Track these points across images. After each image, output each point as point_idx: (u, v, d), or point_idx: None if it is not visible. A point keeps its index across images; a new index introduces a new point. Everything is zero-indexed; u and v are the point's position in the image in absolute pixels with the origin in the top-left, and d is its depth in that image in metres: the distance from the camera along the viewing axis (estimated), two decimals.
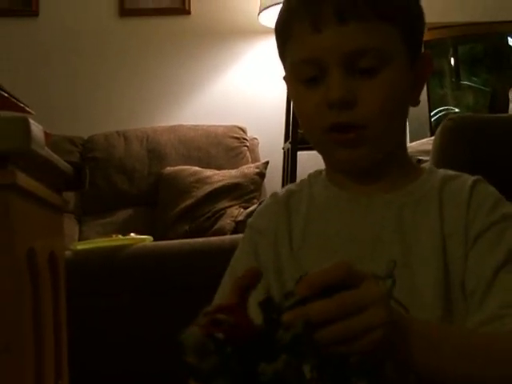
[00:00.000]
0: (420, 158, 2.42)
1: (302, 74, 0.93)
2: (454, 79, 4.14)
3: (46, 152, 1.72)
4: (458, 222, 0.92)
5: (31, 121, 1.55)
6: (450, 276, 0.90)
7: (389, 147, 0.95)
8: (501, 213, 0.93)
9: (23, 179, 1.61)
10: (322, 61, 0.90)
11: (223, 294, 1.02)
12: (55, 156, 1.86)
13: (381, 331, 0.71)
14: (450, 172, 1.02)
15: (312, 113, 0.92)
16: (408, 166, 1.01)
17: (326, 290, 0.70)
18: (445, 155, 1.79)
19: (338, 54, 0.88)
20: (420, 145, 2.83)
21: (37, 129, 1.59)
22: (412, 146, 2.90)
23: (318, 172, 1.05)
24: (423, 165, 2.33)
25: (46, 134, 1.76)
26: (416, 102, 0.98)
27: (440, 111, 4.01)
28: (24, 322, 1.66)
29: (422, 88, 0.99)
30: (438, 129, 1.80)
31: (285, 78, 1.01)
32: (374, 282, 0.75)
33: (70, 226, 3.43)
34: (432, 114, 3.89)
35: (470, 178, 0.98)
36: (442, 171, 1.02)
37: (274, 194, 1.07)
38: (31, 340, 1.74)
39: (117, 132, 3.79)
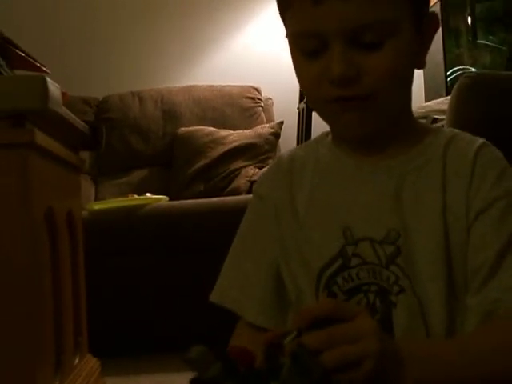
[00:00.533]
0: (436, 116, 2.41)
1: (302, 45, 0.89)
2: (470, 38, 4.09)
3: (64, 111, 1.73)
4: (460, 193, 0.89)
5: (48, 79, 1.56)
6: (451, 249, 0.88)
7: (395, 113, 0.92)
8: (504, 187, 0.89)
9: (41, 138, 1.62)
10: (322, 34, 0.85)
11: (233, 261, 1.02)
12: (72, 115, 1.87)
13: (371, 361, 0.71)
14: (456, 132, 0.96)
15: (313, 85, 0.88)
16: (413, 130, 0.97)
17: (321, 324, 0.71)
18: (461, 113, 1.78)
19: (340, 27, 0.83)
20: (436, 104, 2.82)
21: (54, 88, 1.59)
22: (428, 105, 2.88)
23: (324, 135, 1.02)
24: (436, 124, 2.33)
25: (63, 94, 1.77)
26: (422, 65, 0.93)
27: (456, 71, 3.97)
28: (43, 280, 1.69)
29: (428, 49, 0.93)
30: (455, 86, 1.79)
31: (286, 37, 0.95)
32: (367, 316, 0.75)
33: (86, 186, 3.45)
34: (448, 73, 3.85)
35: (475, 143, 0.92)
36: (448, 132, 0.97)
37: (279, 159, 1.04)
38: (50, 298, 1.76)
39: (131, 92, 3.79)
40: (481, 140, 0.93)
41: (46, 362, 1.67)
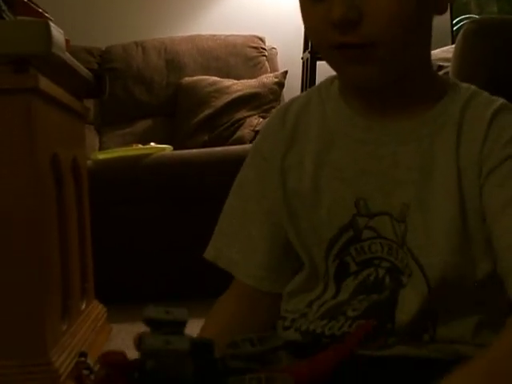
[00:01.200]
0: (441, 64, 2.39)
1: None
2: None
3: (67, 57, 1.72)
4: (472, 157, 0.84)
5: (52, 24, 1.55)
6: (467, 216, 0.84)
7: (405, 66, 0.84)
8: None
9: (45, 83, 1.62)
10: None
11: (233, 221, 0.97)
12: (76, 62, 1.87)
13: None
14: (474, 92, 0.89)
15: (317, 30, 0.83)
16: (431, 86, 0.89)
17: None
18: (466, 58, 1.75)
19: None
20: (441, 52, 2.79)
21: (58, 33, 1.59)
22: (433, 53, 2.86)
23: (330, 81, 0.95)
24: (444, 72, 2.30)
25: (66, 40, 1.76)
26: (442, 9, 0.84)
27: (462, 19, 3.93)
28: (49, 226, 1.70)
29: None
30: (461, 31, 1.76)
31: None
32: None
33: (90, 136, 3.44)
34: (454, 22, 3.81)
35: (492, 106, 0.86)
36: (465, 89, 0.89)
37: (281, 113, 0.96)
38: (57, 244, 1.78)
39: (135, 42, 3.76)
40: (499, 102, 0.87)
41: (53, 306, 1.69)
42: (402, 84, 0.86)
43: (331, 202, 0.88)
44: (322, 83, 0.96)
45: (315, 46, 0.87)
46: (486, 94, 0.90)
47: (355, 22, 0.79)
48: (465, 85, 0.91)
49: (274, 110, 1.01)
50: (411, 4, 0.80)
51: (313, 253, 0.90)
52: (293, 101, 0.97)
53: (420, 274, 0.84)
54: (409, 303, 0.85)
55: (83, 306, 2.08)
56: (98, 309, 2.28)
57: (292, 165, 0.92)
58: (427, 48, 0.88)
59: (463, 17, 3.91)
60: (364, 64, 0.82)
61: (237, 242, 0.96)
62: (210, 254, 0.98)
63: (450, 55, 2.26)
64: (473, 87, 0.91)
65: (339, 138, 0.90)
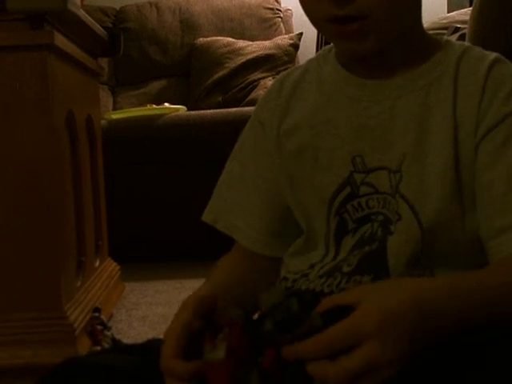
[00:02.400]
0: (458, 25, 2.37)
1: None
2: None
3: (82, 14, 1.72)
4: (471, 110, 0.84)
5: None
6: (461, 167, 0.84)
7: (399, 30, 0.86)
8: None
9: (60, 40, 1.62)
10: None
11: (231, 185, 0.99)
12: (91, 19, 1.87)
13: (386, 371, 0.66)
14: (467, 47, 0.91)
15: (310, 4, 0.84)
16: (423, 46, 0.91)
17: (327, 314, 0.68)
18: (484, 21, 1.74)
19: None
20: (458, 15, 2.76)
21: None
22: (451, 15, 2.83)
23: (327, 50, 0.95)
24: (458, 35, 2.29)
25: None
26: None
27: None
28: (64, 182, 1.72)
29: None
30: None
31: None
32: (370, 307, 0.69)
33: (104, 96, 3.45)
34: None
35: (487, 58, 0.87)
36: (458, 46, 0.91)
37: (279, 82, 0.98)
38: (71, 201, 1.80)
39: (149, 2, 3.74)
40: (494, 55, 0.88)
41: (68, 261, 1.72)
42: (396, 47, 0.87)
43: (329, 159, 0.90)
44: (319, 52, 0.98)
45: (310, 19, 0.87)
46: (479, 48, 0.91)
47: None
48: (458, 42, 0.93)
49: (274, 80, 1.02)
50: None
51: (313, 215, 0.92)
52: (291, 71, 0.99)
53: (414, 219, 0.85)
54: (398, 247, 0.85)
55: (97, 263, 2.10)
56: (111, 266, 2.31)
57: (289, 129, 0.93)
58: (419, 9, 0.89)
59: None
60: (359, 40, 0.83)
61: (236, 206, 0.97)
62: (208, 217, 1.00)
63: (466, 17, 2.24)
64: (465, 43, 0.92)
65: (335, 98, 0.91)
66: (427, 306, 0.70)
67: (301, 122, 0.92)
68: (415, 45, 0.90)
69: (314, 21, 0.86)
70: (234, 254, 1.00)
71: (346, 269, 0.88)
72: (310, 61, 0.98)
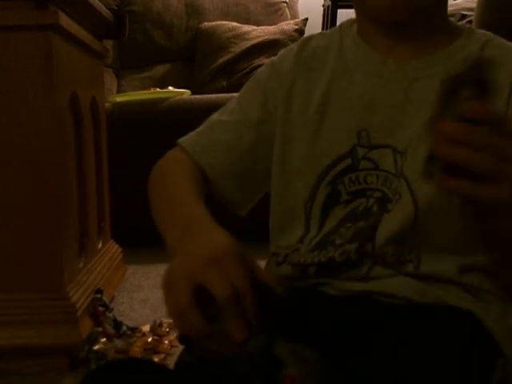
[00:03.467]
0: (465, 13, 2.36)
1: None
2: None
3: None
4: (498, 101, 0.83)
5: None
6: None
7: (427, 2, 0.85)
8: None
9: (65, 20, 1.61)
10: None
11: (225, 115, 0.98)
12: (96, 0, 1.86)
13: None
14: (490, 37, 0.90)
15: None
16: (445, 30, 0.91)
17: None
18: (491, 7, 1.74)
19: None
20: (465, 2, 2.75)
21: None
22: (457, 2, 2.82)
23: (351, 22, 0.96)
24: (468, 22, 2.27)
25: None
26: None
27: None
28: (67, 164, 1.72)
29: None
30: None
31: None
32: None
33: (109, 79, 3.44)
34: None
35: None
36: (481, 34, 0.91)
37: (303, 42, 0.97)
38: (74, 182, 1.80)
39: None
40: None
41: (70, 242, 1.72)
42: (420, 22, 0.87)
43: (334, 129, 0.89)
44: (343, 23, 0.98)
45: None
46: (502, 39, 0.90)
47: None
48: (481, 31, 0.92)
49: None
50: None
51: (298, 179, 0.91)
52: (314, 35, 0.99)
53: (409, 198, 0.85)
54: (389, 223, 0.85)
55: (100, 245, 2.10)
56: (113, 249, 2.31)
57: (301, 90, 0.93)
58: None
59: None
60: None
61: (213, 142, 0.96)
62: (185, 142, 0.99)
63: (473, 5, 2.23)
64: (488, 33, 0.92)
65: (353, 70, 0.91)
66: None
67: (315, 86, 0.92)
68: (438, 28, 0.89)
69: None
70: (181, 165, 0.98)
71: (338, 241, 0.88)
72: (333, 29, 0.98)
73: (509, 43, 0.89)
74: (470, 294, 0.84)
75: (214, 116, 0.99)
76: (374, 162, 0.88)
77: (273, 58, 1.00)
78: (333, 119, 0.90)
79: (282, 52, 1.00)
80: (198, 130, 0.99)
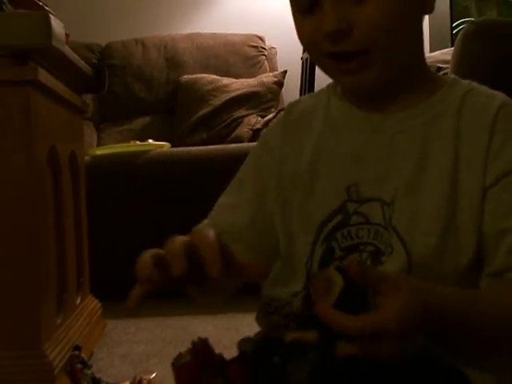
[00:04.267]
0: (440, 65, 2.40)
1: (297, 3, 0.87)
2: None
3: (67, 50, 1.73)
4: (478, 150, 0.84)
5: (52, 17, 1.55)
6: (458, 203, 0.84)
7: (399, 65, 0.86)
8: None
9: (44, 76, 1.62)
10: None
11: (228, 199, 1.00)
12: (75, 56, 1.87)
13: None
14: (474, 86, 0.90)
15: (310, 42, 0.86)
16: (427, 79, 0.92)
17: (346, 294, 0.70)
18: (465, 60, 1.76)
19: None
20: (441, 54, 2.80)
21: (57, 25, 1.59)
22: (433, 55, 2.87)
23: (337, 82, 0.97)
24: (444, 74, 2.31)
25: (66, 35, 1.76)
26: (430, 9, 0.87)
27: (462, 23, 3.94)
28: (46, 218, 1.70)
29: None
30: (461, 33, 1.76)
31: None
32: (397, 296, 0.69)
33: (89, 132, 3.44)
34: (453, 25, 3.81)
35: (496, 98, 0.87)
36: (465, 84, 0.91)
37: (288, 109, 1.00)
38: (53, 237, 1.78)
39: (135, 39, 3.76)
40: (502, 95, 0.88)
41: (48, 299, 1.69)
42: (398, 82, 0.88)
43: (324, 187, 0.90)
44: (330, 83, 1.00)
45: (309, 55, 0.91)
46: (485, 87, 0.91)
47: (346, 32, 0.82)
48: (466, 81, 0.93)
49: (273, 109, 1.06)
50: (398, 10, 0.82)
51: (297, 240, 0.91)
52: (301, 98, 1.03)
53: (402, 249, 0.85)
54: (387, 270, 0.85)
55: (78, 301, 2.08)
56: (93, 304, 2.28)
57: (291, 151, 0.95)
58: (420, 45, 0.91)
59: (463, 20, 3.92)
60: (357, 74, 0.84)
61: (223, 222, 0.96)
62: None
63: (448, 57, 2.26)
64: (473, 82, 0.92)
65: (339, 128, 0.93)
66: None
67: (304, 146, 0.94)
68: (418, 80, 0.90)
69: (313, 57, 0.89)
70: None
71: None
72: (321, 90, 1.00)
73: (492, 91, 0.90)
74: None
75: (221, 199, 1.01)
76: (364, 215, 0.88)
77: (264, 130, 1.03)
78: (323, 177, 0.91)
79: (271, 123, 1.04)
80: (209, 215, 1.01)
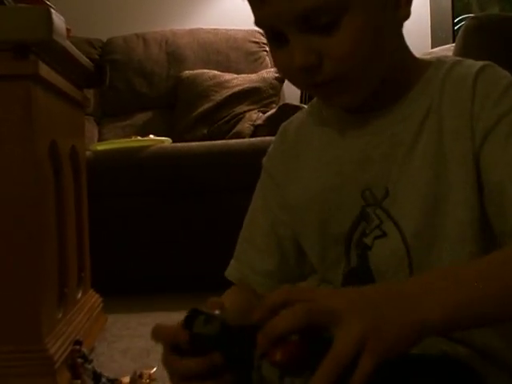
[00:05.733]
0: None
1: (267, 35, 0.85)
2: None
3: (68, 44, 1.72)
4: (463, 116, 0.82)
5: (53, 11, 1.55)
6: (447, 177, 0.83)
7: (380, 78, 0.85)
8: (509, 102, 0.81)
9: (45, 70, 1.62)
10: (275, 26, 0.81)
11: (244, 237, 1.02)
12: (76, 50, 1.87)
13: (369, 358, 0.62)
14: (459, 60, 0.89)
15: (284, 72, 0.84)
16: (414, 68, 0.89)
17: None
18: (467, 54, 1.76)
19: (288, 19, 0.79)
20: (442, 50, 2.79)
21: (58, 20, 1.58)
22: (434, 51, 2.86)
23: None
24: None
25: (67, 29, 1.76)
26: (406, 15, 0.84)
27: (464, 19, 3.93)
28: (47, 213, 1.70)
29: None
30: (462, 28, 1.76)
31: None
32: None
33: (90, 128, 3.45)
34: (455, 21, 3.81)
35: (475, 66, 0.84)
36: (450, 60, 0.89)
37: (283, 130, 1.00)
38: (54, 231, 1.78)
39: (136, 35, 3.76)
40: (483, 62, 0.85)
41: (49, 293, 1.69)
42: (384, 86, 0.86)
43: (337, 199, 0.89)
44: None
45: (291, 83, 0.88)
46: (471, 60, 0.89)
47: (316, 65, 0.80)
48: (451, 58, 0.91)
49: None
50: (367, 34, 0.79)
51: (329, 255, 0.92)
52: (292, 118, 1.02)
53: (396, 231, 0.85)
54: (379, 253, 0.86)
55: (79, 295, 2.08)
56: (93, 298, 2.28)
57: (296, 177, 0.95)
58: (401, 47, 0.88)
59: (465, 16, 3.91)
60: (339, 95, 0.84)
61: (246, 258, 1.00)
62: (229, 274, 1.02)
63: (450, 53, 2.26)
64: (458, 58, 0.91)
65: (337, 137, 0.92)
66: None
67: (306, 166, 0.93)
68: (404, 72, 0.88)
69: (291, 83, 0.87)
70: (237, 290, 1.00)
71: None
72: (312, 104, 0.99)
73: (474, 61, 0.88)
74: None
75: (244, 233, 1.02)
76: (385, 211, 0.87)
77: (265, 159, 1.02)
78: (333, 190, 0.90)
79: (270, 149, 1.02)
80: (235, 254, 1.03)
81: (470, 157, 0.82)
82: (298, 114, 1.01)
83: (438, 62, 0.90)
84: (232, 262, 1.02)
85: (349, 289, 0.70)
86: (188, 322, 0.72)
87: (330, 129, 0.93)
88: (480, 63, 0.86)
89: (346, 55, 0.79)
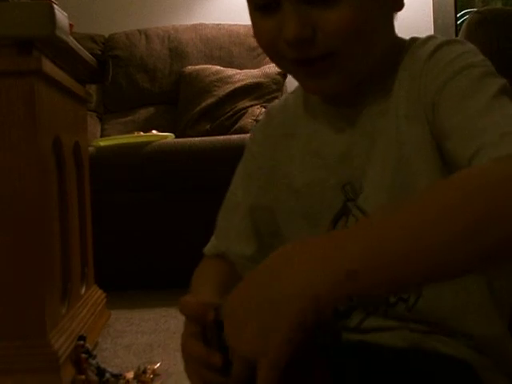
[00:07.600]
0: None
1: (253, 0, 0.81)
2: None
3: (71, 40, 1.72)
4: (412, 100, 0.79)
5: (56, 7, 1.55)
6: (410, 166, 0.79)
7: (367, 67, 0.81)
8: (466, 61, 0.75)
9: (48, 66, 1.62)
10: None
11: (224, 216, 1.00)
12: (79, 46, 1.87)
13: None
14: (429, 37, 0.83)
15: (268, 44, 0.80)
16: (392, 51, 0.84)
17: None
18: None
19: None
20: None
21: (61, 15, 1.58)
22: None
23: None
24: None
25: (69, 25, 1.76)
26: (400, 6, 0.81)
27: (467, 13, 3.92)
28: (50, 208, 1.71)
29: None
30: (465, 23, 1.76)
31: None
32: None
33: (92, 123, 3.44)
34: (458, 16, 3.80)
35: (435, 42, 0.80)
36: (421, 38, 0.84)
37: (269, 111, 0.96)
38: (57, 227, 1.79)
39: (138, 30, 3.75)
40: (446, 39, 0.80)
41: (53, 289, 1.70)
42: (368, 78, 0.83)
43: (321, 191, 0.88)
44: None
45: (269, 57, 0.83)
46: (441, 37, 0.83)
47: (309, 38, 0.76)
48: (425, 37, 0.85)
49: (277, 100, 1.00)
50: (365, 12, 0.76)
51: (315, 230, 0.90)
52: (281, 99, 0.98)
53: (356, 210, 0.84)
54: None
55: (83, 291, 2.08)
56: (97, 294, 2.29)
57: (283, 160, 0.92)
58: (391, 37, 0.84)
59: (467, 11, 3.90)
60: (325, 77, 0.80)
61: (225, 235, 0.98)
62: (212, 252, 1.01)
63: None
64: (432, 35, 0.85)
65: (321, 129, 0.89)
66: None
67: (291, 154, 0.91)
68: (388, 69, 0.84)
69: (274, 61, 0.83)
70: (213, 262, 0.99)
71: None
72: (298, 88, 0.94)
73: (441, 39, 0.81)
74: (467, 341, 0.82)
75: (221, 213, 1.01)
76: (361, 210, 0.86)
77: (250, 136, 0.99)
78: (316, 182, 0.88)
79: (253, 132, 0.99)
80: (215, 231, 1.02)
81: (428, 139, 0.78)
82: (286, 96, 0.97)
83: (411, 41, 0.84)
84: (212, 238, 1.01)
85: (234, 299, 0.66)
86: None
87: (315, 118, 0.90)
88: (438, 40, 0.80)
89: (341, 31, 0.75)
